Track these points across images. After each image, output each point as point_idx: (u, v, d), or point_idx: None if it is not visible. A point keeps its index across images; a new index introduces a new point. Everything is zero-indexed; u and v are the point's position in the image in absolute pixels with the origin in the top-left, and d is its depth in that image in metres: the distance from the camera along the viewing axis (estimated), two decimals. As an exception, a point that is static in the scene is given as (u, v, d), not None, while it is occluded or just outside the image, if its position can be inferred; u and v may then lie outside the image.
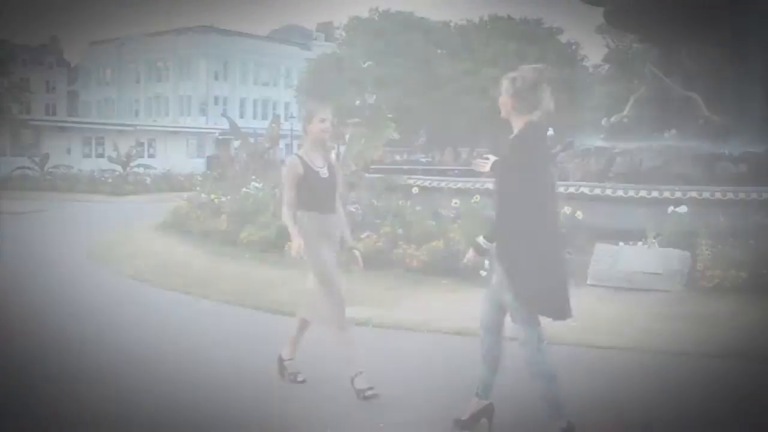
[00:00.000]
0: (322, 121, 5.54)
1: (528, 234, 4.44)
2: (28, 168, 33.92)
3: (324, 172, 5.61)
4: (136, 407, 5.39)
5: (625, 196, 10.98)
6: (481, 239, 4.69)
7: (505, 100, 4.64)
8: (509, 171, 4.51)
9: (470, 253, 4.78)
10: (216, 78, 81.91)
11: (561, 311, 4.72)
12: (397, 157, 52.28)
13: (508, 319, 4.85)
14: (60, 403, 5.47)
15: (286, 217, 5.62)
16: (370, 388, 5.35)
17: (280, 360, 5.88)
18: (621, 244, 9.66)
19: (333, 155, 5.51)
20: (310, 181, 5.54)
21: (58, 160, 36.51)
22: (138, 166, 35.44)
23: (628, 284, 9.07)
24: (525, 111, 4.54)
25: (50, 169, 34.20)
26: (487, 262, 9.58)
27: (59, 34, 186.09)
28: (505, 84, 4.69)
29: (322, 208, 5.62)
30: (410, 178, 13.15)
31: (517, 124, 4.56)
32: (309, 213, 5.56)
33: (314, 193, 5.54)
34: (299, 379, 5.75)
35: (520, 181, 4.44)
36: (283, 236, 11.66)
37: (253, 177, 17.73)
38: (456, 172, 20.01)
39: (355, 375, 5.41)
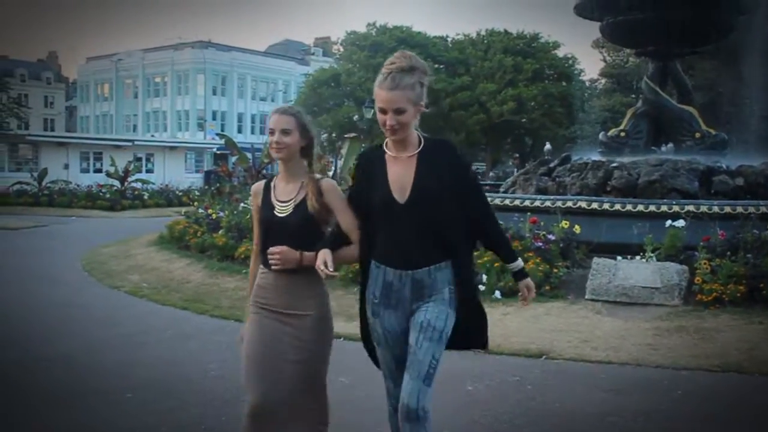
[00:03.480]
0: (270, 132, 3.92)
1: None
2: (26, 183, 33.85)
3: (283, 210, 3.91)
4: (134, 423, 5.38)
5: (623, 210, 11.00)
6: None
7: (414, 107, 3.57)
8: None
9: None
10: (214, 93, 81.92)
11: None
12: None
13: None
14: (56, 419, 5.46)
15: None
16: None
17: None
18: (619, 258, 9.67)
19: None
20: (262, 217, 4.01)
21: (56, 176, 36.41)
22: (136, 181, 35.32)
23: (626, 298, 9.07)
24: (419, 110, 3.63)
25: (48, 185, 34.12)
26: (485, 277, 9.68)
27: (57, 49, 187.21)
28: (413, 84, 3.55)
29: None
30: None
31: (414, 135, 3.67)
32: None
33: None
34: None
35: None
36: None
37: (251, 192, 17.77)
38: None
39: None
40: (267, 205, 3.93)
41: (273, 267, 3.79)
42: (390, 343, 3.68)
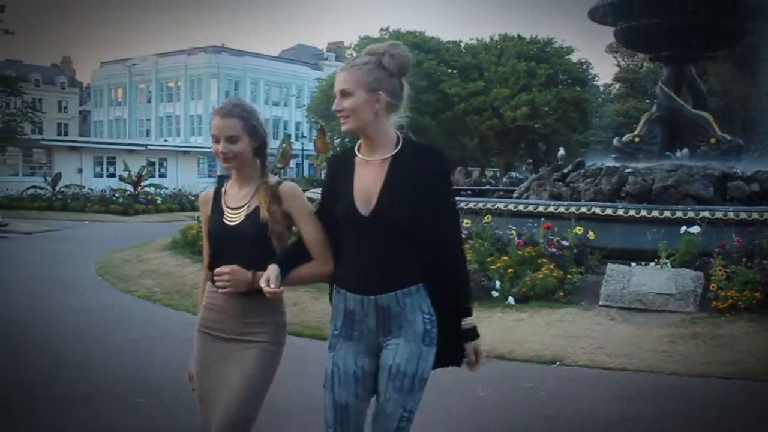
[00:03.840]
0: (214, 139, 3.31)
1: None
2: (40, 187, 34.08)
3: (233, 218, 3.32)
4: (147, 427, 5.37)
5: (637, 216, 10.92)
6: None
7: (369, 94, 3.00)
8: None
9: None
10: (227, 97, 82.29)
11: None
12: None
13: None
14: (69, 423, 5.45)
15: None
16: None
17: None
18: (633, 264, 9.61)
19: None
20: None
21: (70, 180, 36.67)
22: (149, 185, 35.42)
23: (641, 305, 9.01)
24: (394, 109, 3.11)
25: (62, 189, 34.34)
26: (498, 283, 9.65)
27: (71, 54, 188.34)
28: (368, 63, 3.03)
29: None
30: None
31: (388, 136, 3.09)
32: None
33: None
34: None
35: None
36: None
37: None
38: (467, 192, 20.03)
39: None
40: (216, 212, 3.33)
41: (221, 290, 3.19)
42: (336, 384, 3.01)
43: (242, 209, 3.25)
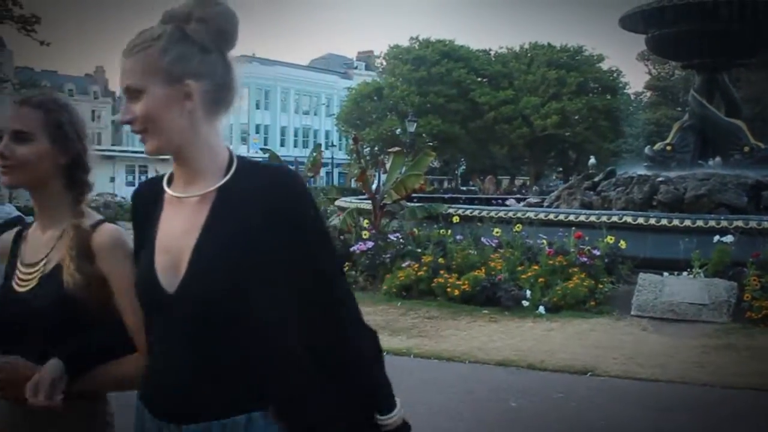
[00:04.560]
0: None
1: None
2: (74, 196, 34.54)
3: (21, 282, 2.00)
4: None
5: (669, 225, 10.85)
6: None
7: (179, 92, 1.74)
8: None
9: None
10: (257, 107, 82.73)
11: None
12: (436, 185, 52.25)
13: None
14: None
15: None
16: None
17: None
18: (666, 274, 9.55)
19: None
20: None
21: (103, 189, 37.07)
22: (180, 194, 35.81)
23: (673, 315, 8.95)
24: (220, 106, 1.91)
25: (94, 197, 34.80)
26: (529, 292, 9.62)
27: (104, 64, 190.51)
28: (162, 37, 1.75)
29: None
30: (451, 207, 13.12)
31: (215, 155, 1.84)
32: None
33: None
34: None
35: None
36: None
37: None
38: (497, 201, 20.00)
39: None
40: (9, 269, 2.05)
41: None
42: None
43: (38, 267, 1.99)
